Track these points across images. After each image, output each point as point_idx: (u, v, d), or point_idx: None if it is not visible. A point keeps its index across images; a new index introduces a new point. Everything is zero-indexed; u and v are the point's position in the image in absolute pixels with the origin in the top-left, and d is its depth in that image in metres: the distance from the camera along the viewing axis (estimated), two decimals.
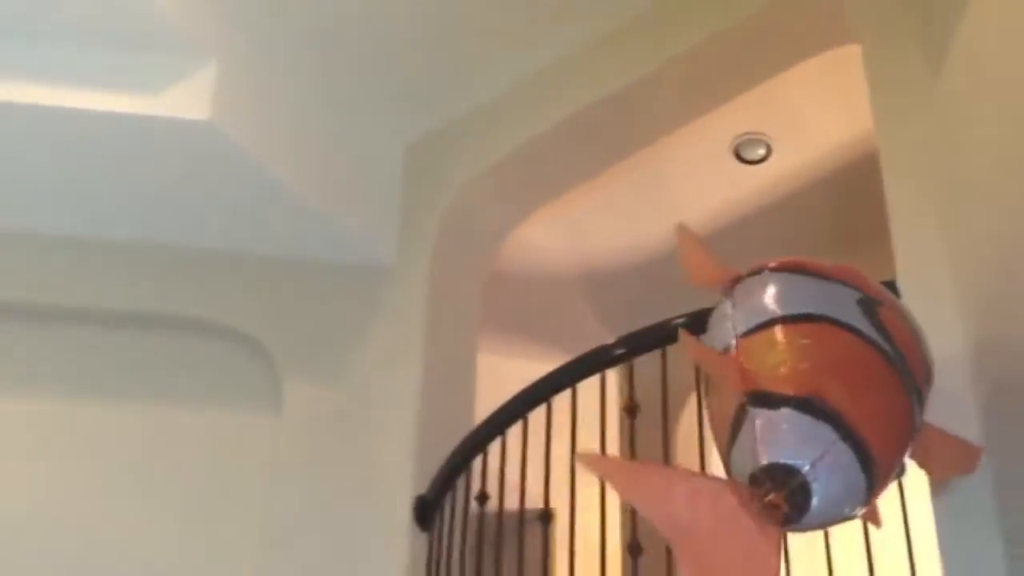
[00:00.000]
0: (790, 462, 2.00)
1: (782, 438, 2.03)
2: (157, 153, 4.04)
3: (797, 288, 2.31)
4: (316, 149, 4.37)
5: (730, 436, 2.09)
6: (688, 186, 5.04)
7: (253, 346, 4.35)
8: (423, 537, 3.89)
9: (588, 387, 3.49)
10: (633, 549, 3.04)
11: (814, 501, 2.00)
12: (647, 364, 3.40)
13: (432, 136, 4.70)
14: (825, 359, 2.16)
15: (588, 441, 3.47)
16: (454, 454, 3.79)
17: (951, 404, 2.70)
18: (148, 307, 4.37)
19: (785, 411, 2.04)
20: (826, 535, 2.98)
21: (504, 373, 4.70)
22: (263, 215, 4.32)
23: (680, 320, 3.36)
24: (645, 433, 3.39)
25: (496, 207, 4.67)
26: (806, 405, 2.04)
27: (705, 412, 2.37)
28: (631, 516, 3.13)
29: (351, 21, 4.22)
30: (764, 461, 2.01)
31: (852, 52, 4.09)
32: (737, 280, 2.38)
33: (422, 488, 3.94)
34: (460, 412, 4.29)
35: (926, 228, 3.16)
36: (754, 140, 4.80)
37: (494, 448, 3.69)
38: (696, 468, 3.27)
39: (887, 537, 2.93)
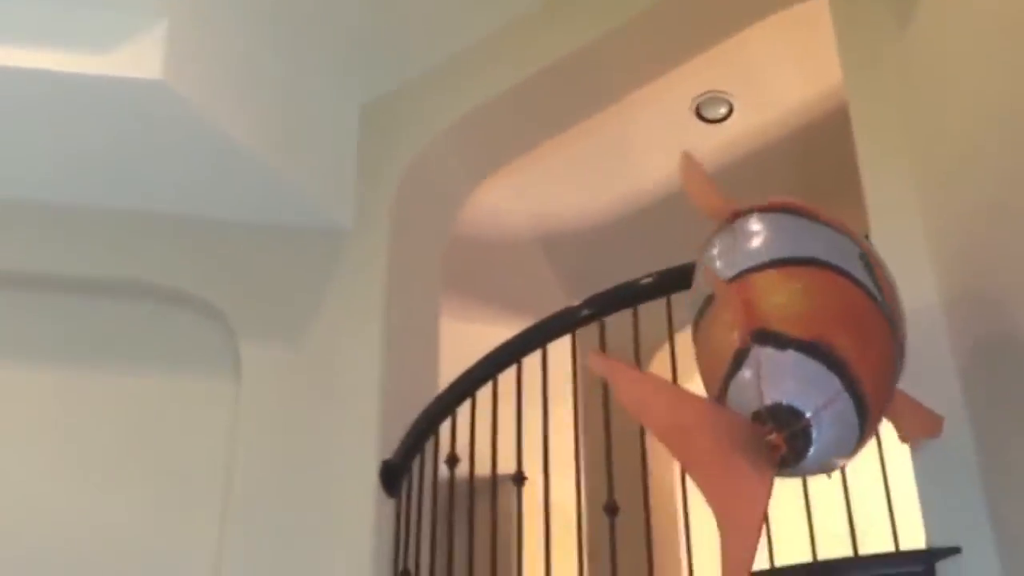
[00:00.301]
0: (795, 405, 2.00)
1: (788, 380, 2.03)
2: (108, 113, 3.93)
3: (803, 231, 2.30)
4: (271, 110, 4.27)
5: (729, 370, 2.08)
6: (649, 146, 4.97)
7: (209, 311, 4.25)
8: (390, 503, 3.82)
9: (552, 349, 3.46)
10: (609, 508, 3.01)
11: (812, 448, 2.02)
12: (612, 326, 3.38)
13: (389, 96, 4.61)
14: (832, 306, 2.16)
15: (559, 405, 3.44)
16: (421, 417, 3.73)
17: (927, 357, 2.69)
18: (101, 273, 4.25)
19: (792, 353, 2.04)
20: (805, 484, 2.96)
21: (463, 337, 4.66)
22: (217, 178, 4.22)
23: (648, 279, 3.37)
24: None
25: (455, 169, 4.59)
26: (813, 350, 2.04)
27: (695, 341, 2.28)
28: (607, 478, 3.09)
29: None
30: (769, 401, 2.01)
31: (812, 8, 4.07)
32: (738, 214, 2.33)
33: (387, 453, 3.86)
34: (424, 376, 4.23)
35: (898, 181, 3.15)
36: (715, 99, 4.74)
37: (462, 411, 3.64)
38: None
39: (867, 487, 2.94)
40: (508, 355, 3.53)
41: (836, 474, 2.85)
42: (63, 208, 4.26)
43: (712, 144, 4.91)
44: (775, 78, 4.63)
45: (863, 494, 2.95)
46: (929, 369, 2.73)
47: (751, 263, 2.19)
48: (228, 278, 4.29)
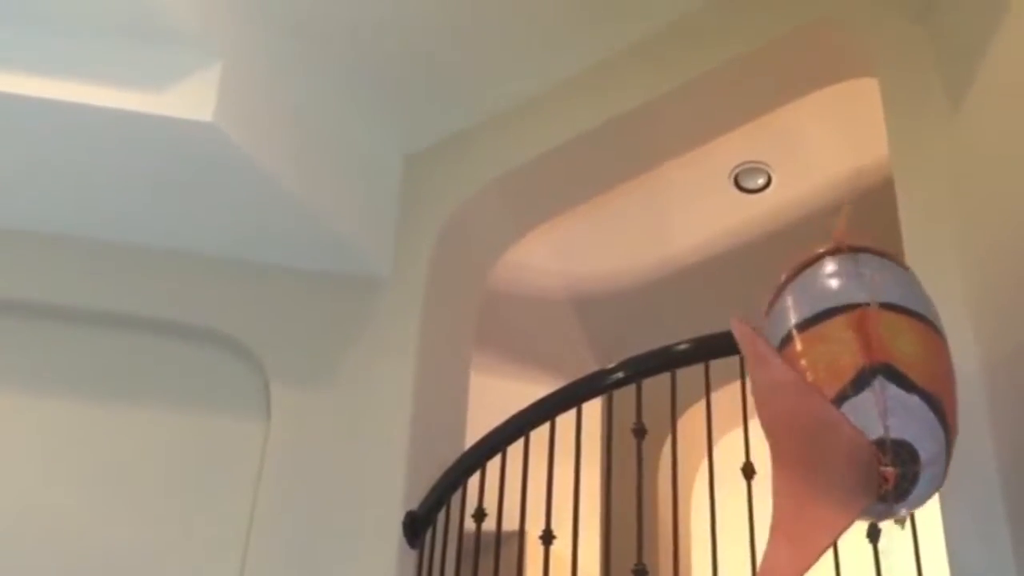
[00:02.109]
0: (916, 447, 2.04)
1: (913, 422, 2.06)
2: (156, 152, 3.97)
3: (912, 285, 2.37)
4: (316, 156, 4.31)
5: (847, 389, 2.09)
6: (686, 213, 5.01)
7: (243, 352, 4.26)
8: (412, 554, 3.81)
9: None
10: (639, 573, 3.00)
11: (912, 493, 2.06)
12: (628, 394, 3.38)
13: (432, 149, 4.66)
14: (942, 368, 2.21)
15: (588, 465, 3.45)
16: (451, 469, 3.73)
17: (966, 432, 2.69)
18: (138, 309, 4.27)
19: (917, 399, 2.08)
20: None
21: (489, 392, 4.68)
22: (259, 220, 4.26)
23: (684, 345, 3.39)
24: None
25: (493, 224, 4.62)
26: (935, 403, 2.10)
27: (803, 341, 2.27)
28: (636, 540, 3.09)
29: (359, 29, 4.20)
30: (895, 435, 2.03)
31: (854, 84, 4.12)
32: (855, 247, 2.37)
33: (411, 504, 3.86)
34: (451, 429, 4.23)
35: (941, 259, 3.17)
36: (754, 169, 4.77)
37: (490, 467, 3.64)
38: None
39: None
40: (540, 413, 3.54)
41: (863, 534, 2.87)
42: (104, 244, 4.30)
43: (749, 214, 4.94)
44: (814, 150, 4.66)
45: (893, 559, 2.93)
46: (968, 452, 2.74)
47: (878, 298, 2.22)
48: (263, 320, 4.30)
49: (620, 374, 3.45)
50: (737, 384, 3.16)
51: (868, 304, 2.20)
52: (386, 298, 4.38)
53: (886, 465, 2.02)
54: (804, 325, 2.27)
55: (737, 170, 4.79)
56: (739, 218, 4.97)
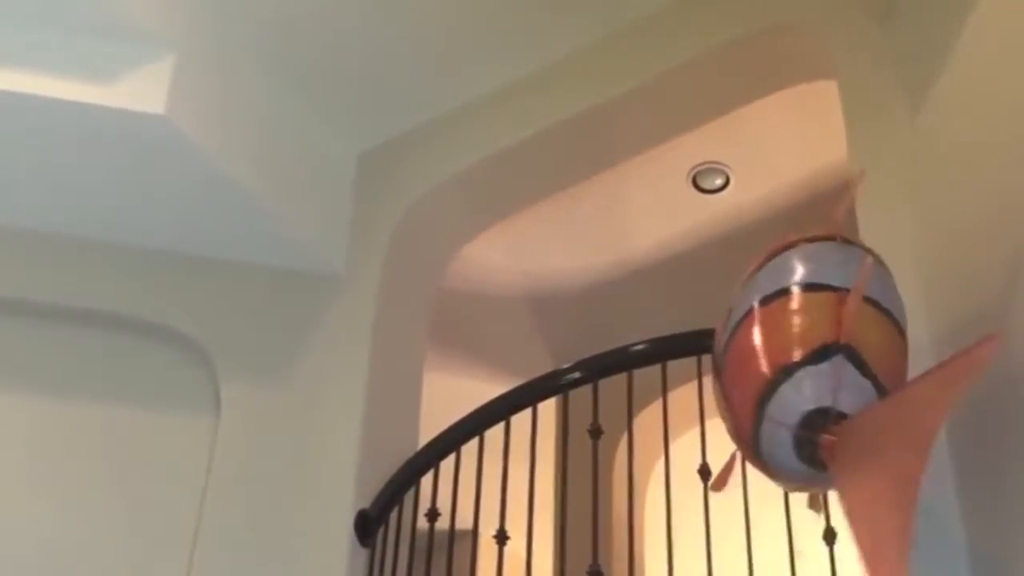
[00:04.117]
0: None
1: (860, 402, 2.17)
2: (106, 145, 3.90)
3: (887, 279, 2.50)
4: (270, 151, 4.25)
5: (809, 356, 2.22)
6: (643, 213, 4.99)
7: (193, 348, 4.20)
8: (363, 553, 3.76)
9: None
10: (594, 574, 2.97)
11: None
12: (583, 394, 3.36)
13: (388, 146, 4.60)
14: (900, 366, 2.35)
15: (542, 465, 3.41)
16: (403, 469, 3.69)
17: None
18: (87, 304, 4.20)
19: (869, 384, 2.21)
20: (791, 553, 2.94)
21: (443, 390, 4.64)
22: (210, 215, 4.20)
23: (641, 346, 3.37)
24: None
25: (449, 222, 4.58)
26: (883, 393, 2.22)
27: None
28: (592, 542, 3.06)
29: (314, 24, 4.14)
30: (841, 407, 2.16)
31: (814, 85, 4.10)
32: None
33: (363, 503, 3.81)
34: (404, 428, 4.19)
35: (899, 261, 3.13)
36: (712, 169, 4.75)
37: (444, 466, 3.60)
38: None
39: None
40: (495, 412, 3.50)
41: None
42: (50, 237, 4.22)
43: (708, 215, 4.92)
44: (773, 151, 4.65)
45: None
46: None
47: (863, 290, 2.30)
48: (214, 316, 4.24)
49: (576, 374, 3.42)
50: (692, 385, 3.16)
51: (851, 291, 2.28)
52: (340, 296, 4.32)
53: (827, 434, 2.13)
54: (809, 287, 2.36)
55: (695, 170, 4.78)
56: (697, 218, 4.95)
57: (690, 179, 4.81)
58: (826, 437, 2.13)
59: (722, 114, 4.19)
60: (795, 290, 2.38)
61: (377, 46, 4.26)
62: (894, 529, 2.04)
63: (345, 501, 3.83)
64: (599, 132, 4.33)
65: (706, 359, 2.71)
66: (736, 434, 2.41)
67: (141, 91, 3.75)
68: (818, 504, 2.53)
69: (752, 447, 2.32)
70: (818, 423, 2.17)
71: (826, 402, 2.15)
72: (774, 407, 2.23)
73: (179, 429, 4.07)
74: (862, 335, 2.24)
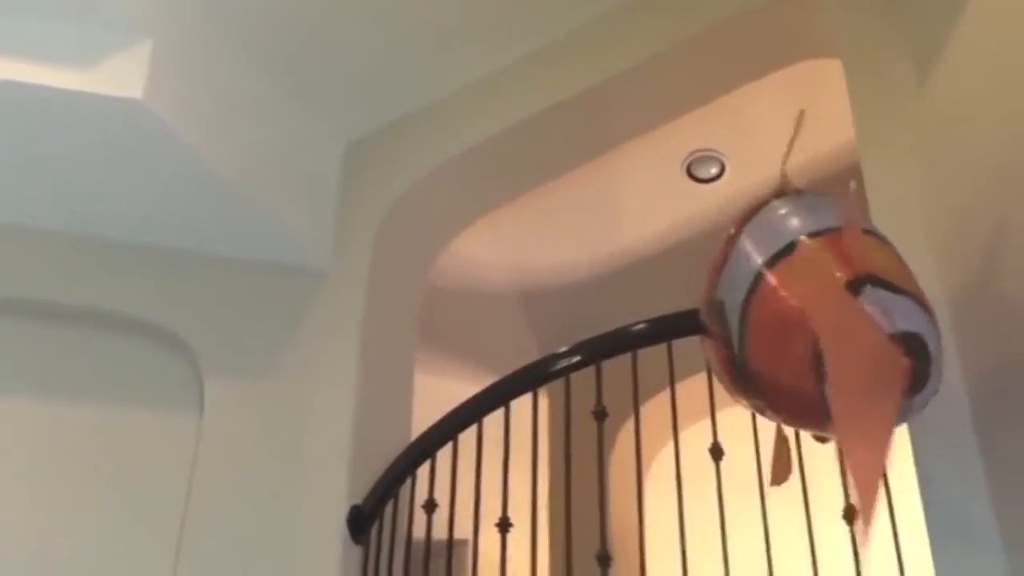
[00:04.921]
0: (926, 339, 2.08)
1: (913, 317, 2.09)
2: (82, 132, 3.76)
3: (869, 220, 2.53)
4: (253, 142, 4.12)
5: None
6: (636, 204, 4.86)
7: (176, 343, 4.05)
8: (357, 550, 3.61)
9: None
10: (602, 559, 2.84)
11: (927, 386, 2.10)
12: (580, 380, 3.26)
13: (374, 137, 4.49)
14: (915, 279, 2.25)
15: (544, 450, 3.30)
16: (399, 460, 3.55)
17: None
18: (65, 299, 4.04)
19: (908, 299, 2.12)
20: (811, 532, 2.83)
21: (427, 392, 4.49)
22: (191, 207, 4.06)
23: (642, 325, 3.25)
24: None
25: (437, 214, 4.45)
26: (924, 304, 2.15)
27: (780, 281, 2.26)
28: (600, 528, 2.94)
29: (298, 11, 4.04)
30: (902, 327, 2.06)
31: (810, 70, 4.01)
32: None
33: (355, 499, 3.67)
34: (396, 424, 4.04)
35: (910, 238, 3.04)
36: (707, 157, 4.64)
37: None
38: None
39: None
40: (494, 398, 3.37)
41: (846, 533, 2.75)
42: (29, 230, 4.06)
43: (703, 205, 4.80)
44: (769, 139, 4.52)
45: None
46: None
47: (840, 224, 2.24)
48: (196, 311, 4.10)
49: (577, 357, 3.29)
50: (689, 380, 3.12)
51: (843, 224, 2.23)
52: (326, 290, 4.20)
53: (903, 356, 2.03)
54: (773, 260, 2.27)
55: (690, 159, 4.66)
56: (692, 209, 4.83)
57: (684, 168, 4.69)
58: (904, 360, 2.04)
59: (718, 96, 4.09)
60: (804, 239, 2.30)
61: (362, 35, 4.16)
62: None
63: (337, 498, 3.69)
64: (590, 118, 4.23)
65: None
66: (793, 408, 2.29)
67: (118, 76, 3.62)
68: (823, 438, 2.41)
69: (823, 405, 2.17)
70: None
71: (887, 329, 2.06)
72: None
73: (163, 426, 3.92)
74: (872, 260, 2.19)
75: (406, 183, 4.35)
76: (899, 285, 2.14)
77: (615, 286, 5.11)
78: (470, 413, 3.38)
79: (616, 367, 3.20)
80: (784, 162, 2.56)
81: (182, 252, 4.16)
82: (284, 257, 4.22)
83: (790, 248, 2.27)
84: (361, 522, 3.60)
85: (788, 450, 2.63)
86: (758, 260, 2.30)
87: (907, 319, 2.09)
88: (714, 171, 4.71)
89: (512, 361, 3.70)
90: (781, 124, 4.41)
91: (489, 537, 3.16)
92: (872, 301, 2.09)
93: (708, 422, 3.03)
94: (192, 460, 3.81)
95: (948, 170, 3.05)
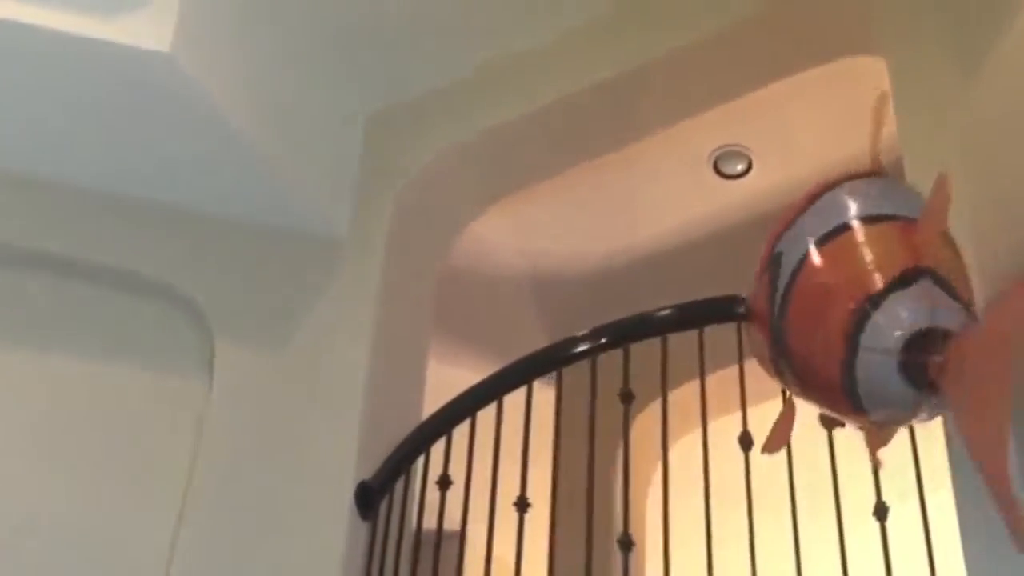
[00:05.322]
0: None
1: (957, 319, 2.14)
2: (107, 84, 3.66)
3: None
4: (277, 106, 4.03)
5: (893, 283, 2.17)
6: (660, 196, 4.78)
7: (187, 305, 3.96)
8: (364, 527, 3.52)
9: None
10: (624, 543, 2.77)
11: None
12: (575, 373, 3.24)
13: (398, 108, 4.39)
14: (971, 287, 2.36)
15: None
16: (412, 436, 3.47)
17: None
18: (76, 254, 3.94)
19: (958, 304, 2.18)
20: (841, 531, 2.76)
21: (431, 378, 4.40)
22: (212, 168, 3.97)
23: (667, 311, 3.19)
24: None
25: (457, 191, 4.37)
26: (971, 313, 2.21)
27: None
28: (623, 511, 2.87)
29: None
30: (944, 325, 2.12)
31: (841, 65, 3.94)
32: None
33: (364, 475, 3.58)
34: (408, 399, 3.96)
35: (955, 231, 2.97)
36: (734, 153, 4.57)
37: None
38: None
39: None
40: (516, 376, 3.31)
41: (876, 528, 2.69)
42: (43, 181, 3.95)
43: (727, 201, 4.73)
44: (798, 135, 4.47)
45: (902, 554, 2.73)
46: None
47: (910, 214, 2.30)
48: (210, 274, 4.01)
49: (603, 339, 3.22)
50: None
51: (927, 213, 2.29)
52: (343, 260, 4.10)
53: (934, 355, 2.07)
54: (869, 220, 2.34)
55: (716, 154, 4.59)
56: (716, 204, 4.76)
57: (711, 163, 4.61)
58: (934, 358, 2.06)
59: (755, 89, 4.01)
60: (856, 224, 2.36)
61: (393, 6, 4.08)
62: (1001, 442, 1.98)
63: (346, 473, 3.59)
64: (618, 105, 4.16)
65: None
66: (816, 384, 2.32)
67: (146, 27, 3.51)
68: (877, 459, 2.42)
69: (845, 387, 2.21)
70: (922, 345, 2.11)
71: (927, 323, 2.11)
72: (869, 338, 2.15)
73: (171, 391, 3.83)
74: (939, 257, 2.25)
75: (425, 158, 4.26)
76: (954, 288, 2.19)
77: (632, 279, 5.01)
78: (489, 390, 3.31)
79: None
80: (874, 144, 2.52)
81: (199, 213, 4.06)
82: (301, 224, 4.12)
83: (879, 219, 2.34)
84: (370, 498, 3.51)
85: (790, 422, 2.60)
86: (853, 211, 2.37)
87: (951, 319, 2.12)
88: (741, 167, 4.63)
89: (518, 349, 3.63)
90: (811, 122, 4.38)
91: (504, 518, 3.09)
92: (926, 292, 2.14)
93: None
94: (199, 426, 3.72)
95: (992, 168, 3.00)
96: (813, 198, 2.48)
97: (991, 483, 1.96)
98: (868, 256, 2.28)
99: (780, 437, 2.57)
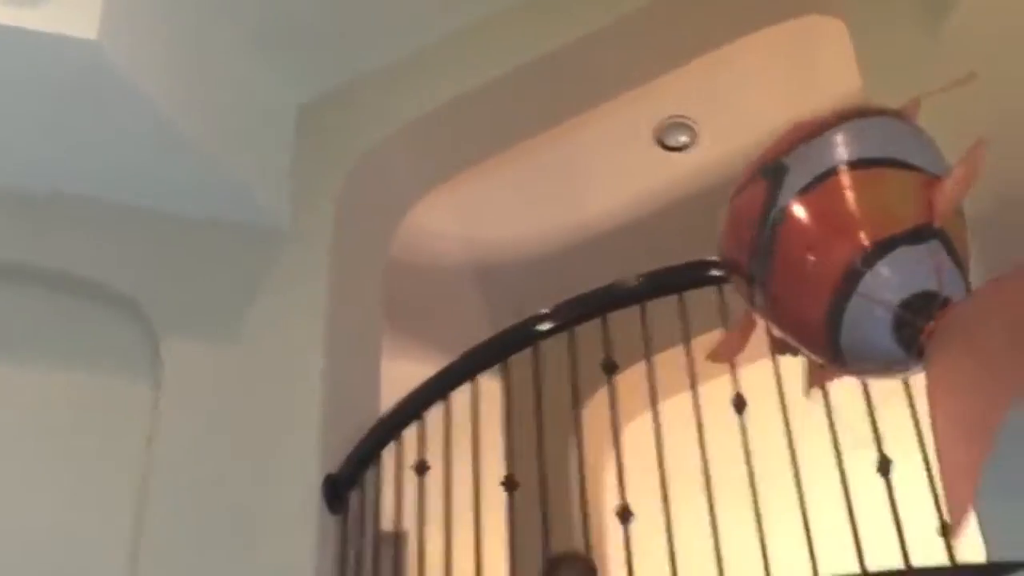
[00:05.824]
0: None
1: (957, 287, 2.07)
2: (31, 75, 3.47)
3: None
4: (209, 94, 3.90)
5: (905, 237, 2.07)
6: (602, 173, 4.69)
7: (128, 305, 3.79)
8: (334, 520, 3.38)
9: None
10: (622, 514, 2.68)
11: None
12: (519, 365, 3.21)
13: (332, 94, 4.27)
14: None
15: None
16: (379, 424, 3.34)
17: None
18: (11, 257, 3.77)
19: (959, 272, 2.09)
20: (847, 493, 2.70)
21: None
22: (145, 159, 3.80)
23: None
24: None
25: (399, 177, 4.27)
26: (968, 284, 2.12)
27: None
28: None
29: None
30: (946, 292, 2.03)
31: (787, 33, 3.89)
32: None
33: (329, 468, 3.44)
34: (366, 390, 3.86)
35: None
36: (678, 124, 4.49)
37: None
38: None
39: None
40: (490, 355, 3.26)
41: (881, 483, 2.62)
42: None
43: (672, 174, 4.65)
44: (743, 104, 4.40)
45: (907, 505, 2.67)
46: None
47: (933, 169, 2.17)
48: (149, 271, 3.86)
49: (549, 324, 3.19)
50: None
51: (954, 175, 2.13)
52: (286, 250, 3.98)
53: (930, 319, 1.99)
54: (860, 164, 2.17)
55: (659, 126, 4.50)
56: (661, 179, 4.68)
57: (654, 135, 4.53)
58: (931, 324, 1.99)
59: (704, 53, 3.94)
60: (883, 164, 2.19)
61: None
62: (984, 427, 1.90)
63: (309, 467, 3.46)
64: (557, 79, 4.07)
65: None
66: (795, 318, 2.19)
67: (71, 13, 3.35)
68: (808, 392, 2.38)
69: (828, 328, 2.08)
70: (920, 307, 2.01)
71: (932, 286, 2.02)
72: (870, 284, 2.04)
73: (117, 394, 3.68)
74: (951, 222, 2.12)
75: (364, 145, 4.16)
76: (959, 255, 2.10)
77: (578, 260, 4.90)
78: (465, 370, 3.20)
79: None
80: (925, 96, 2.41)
81: (133, 208, 3.90)
82: (239, 215, 3.99)
83: (881, 163, 2.19)
84: (338, 491, 3.38)
85: (747, 336, 2.44)
86: (843, 156, 2.20)
87: (953, 286, 2.05)
88: (685, 139, 4.55)
89: (464, 338, 3.54)
90: (756, 90, 4.30)
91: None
92: (933, 254, 2.05)
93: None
94: (150, 428, 3.55)
95: (969, 114, 2.96)
96: (850, 117, 2.31)
97: (954, 467, 1.90)
98: (887, 198, 2.15)
99: (730, 348, 2.45)
